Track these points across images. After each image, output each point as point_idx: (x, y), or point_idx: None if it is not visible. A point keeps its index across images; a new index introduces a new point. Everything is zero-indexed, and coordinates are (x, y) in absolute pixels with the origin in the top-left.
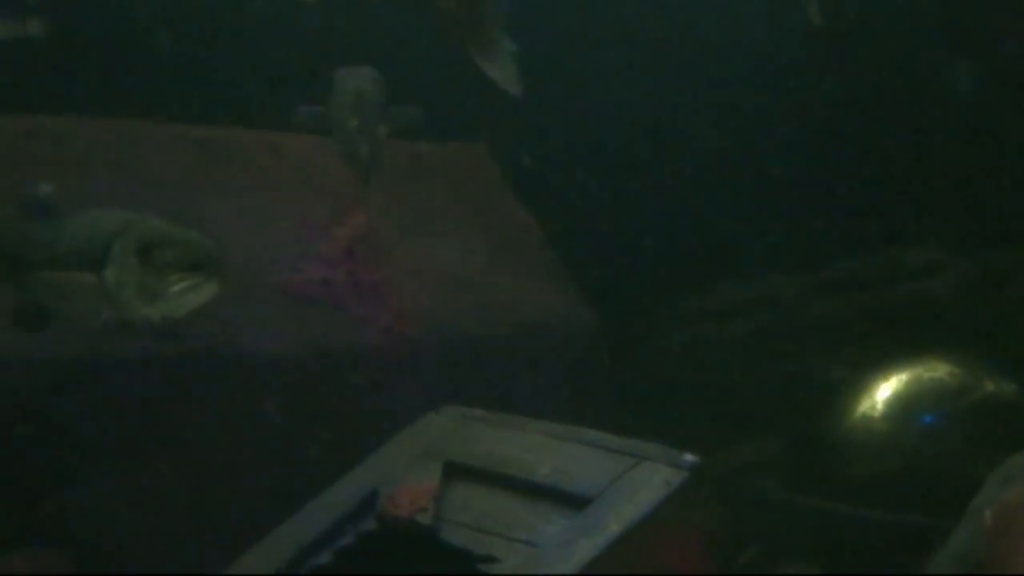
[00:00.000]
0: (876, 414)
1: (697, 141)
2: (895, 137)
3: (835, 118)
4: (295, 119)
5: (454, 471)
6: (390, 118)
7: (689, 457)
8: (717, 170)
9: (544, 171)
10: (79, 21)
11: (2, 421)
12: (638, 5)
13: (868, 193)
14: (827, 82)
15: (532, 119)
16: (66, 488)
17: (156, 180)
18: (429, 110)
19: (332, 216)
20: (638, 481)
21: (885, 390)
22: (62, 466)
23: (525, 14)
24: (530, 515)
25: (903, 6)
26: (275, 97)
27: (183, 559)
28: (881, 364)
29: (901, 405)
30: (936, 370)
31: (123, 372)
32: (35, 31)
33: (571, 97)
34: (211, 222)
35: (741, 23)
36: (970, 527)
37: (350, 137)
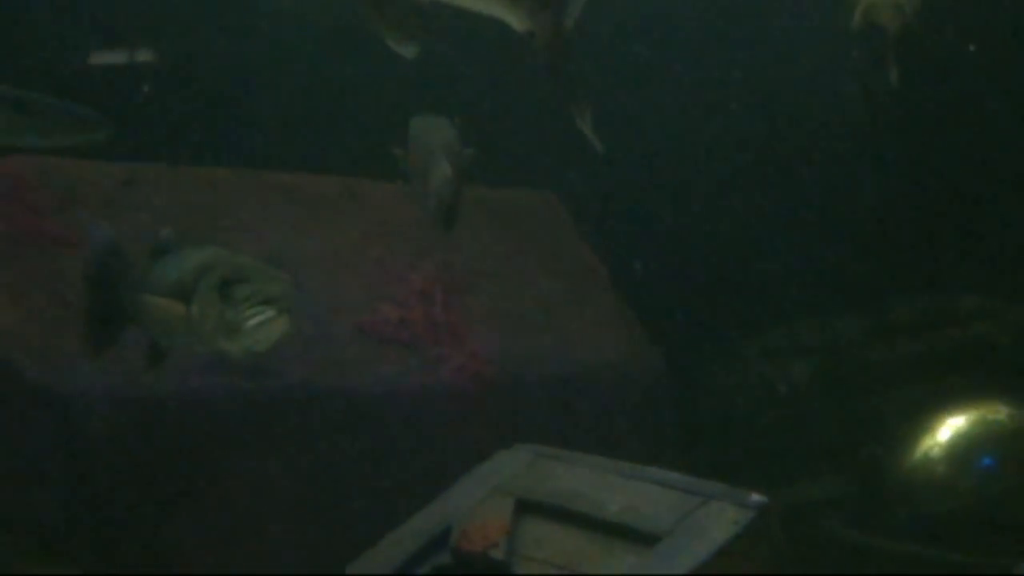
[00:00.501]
0: (937, 456)
1: (761, 188)
2: (956, 186)
3: (897, 167)
4: (397, 158)
5: (526, 507)
6: (465, 165)
7: (756, 497)
8: (780, 216)
9: (612, 217)
10: (172, 81)
11: (94, 455)
12: (704, 60)
13: (928, 239)
14: (891, 134)
15: (600, 168)
16: (156, 521)
17: (243, 225)
18: (500, 158)
19: (409, 259)
20: (706, 520)
21: (945, 432)
22: (152, 500)
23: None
24: (600, 551)
25: (965, 68)
26: (355, 145)
27: None
28: (941, 407)
29: (961, 447)
30: (996, 413)
31: (207, 409)
32: (146, 59)
33: (638, 146)
34: (293, 265)
35: (803, 74)
36: None
37: (428, 184)
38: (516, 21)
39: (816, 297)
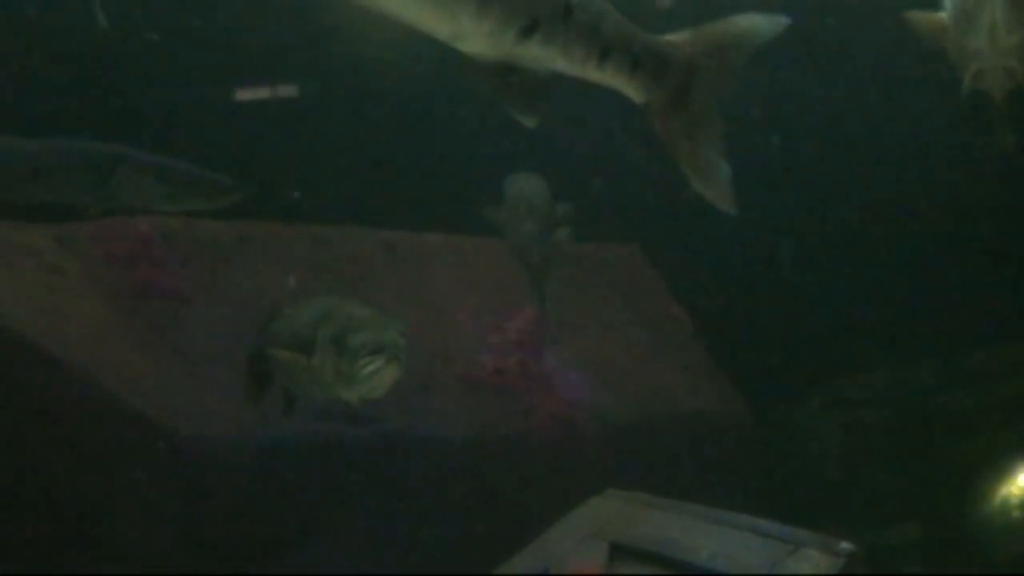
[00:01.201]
0: (1014, 501)
1: (841, 238)
2: None
3: (980, 218)
4: (487, 216)
5: (619, 552)
6: (557, 222)
7: (845, 545)
8: (860, 264)
9: (695, 269)
10: (276, 146)
11: (209, 496)
12: (791, 115)
13: (1008, 287)
14: (977, 187)
15: (683, 221)
16: (266, 559)
17: (349, 279)
18: (588, 213)
19: (505, 311)
20: (797, 567)
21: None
22: (262, 538)
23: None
24: None
25: None
26: (454, 203)
27: None
28: (1019, 452)
29: None
30: None
31: (315, 454)
32: (290, 93)
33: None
34: (396, 317)
35: (892, 131)
36: None
37: (524, 239)
38: (634, 92)
39: (893, 345)
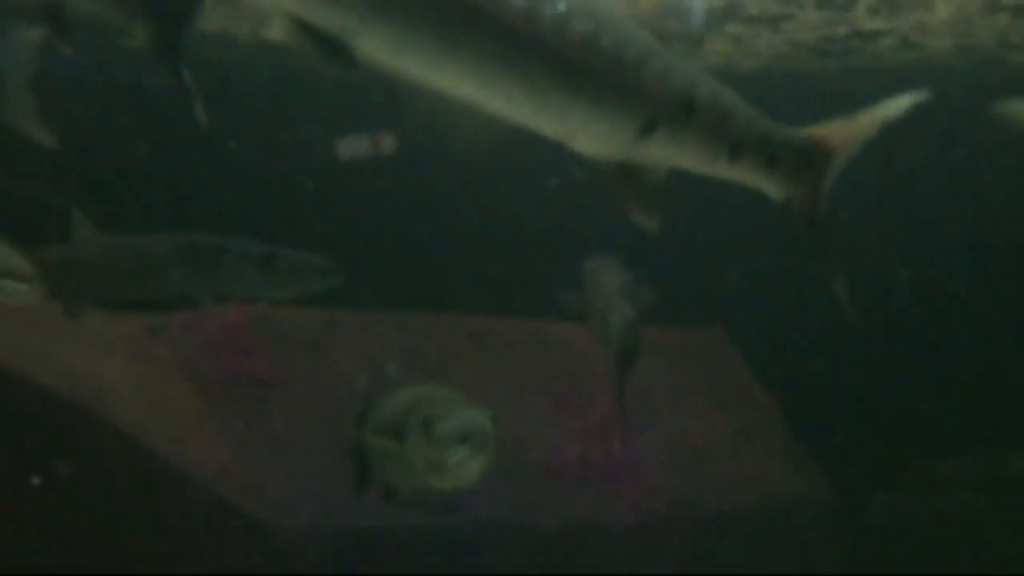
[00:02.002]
0: None
1: (936, 319)
2: None
3: None
4: (563, 304)
5: None
6: (640, 306)
7: None
8: (956, 345)
9: (780, 354)
10: (364, 234)
11: None
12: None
13: None
14: None
15: (767, 306)
16: None
17: (434, 366)
18: (672, 297)
19: (589, 397)
20: None
21: None
22: None
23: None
24: None
25: None
26: (534, 288)
27: None
28: None
29: None
30: None
31: (403, 542)
32: (388, 149)
33: (802, 284)
34: (479, 404)
35: (995, 212)
36: None
37: (606, 325)
38: (772, 190)
39: (989, 429)
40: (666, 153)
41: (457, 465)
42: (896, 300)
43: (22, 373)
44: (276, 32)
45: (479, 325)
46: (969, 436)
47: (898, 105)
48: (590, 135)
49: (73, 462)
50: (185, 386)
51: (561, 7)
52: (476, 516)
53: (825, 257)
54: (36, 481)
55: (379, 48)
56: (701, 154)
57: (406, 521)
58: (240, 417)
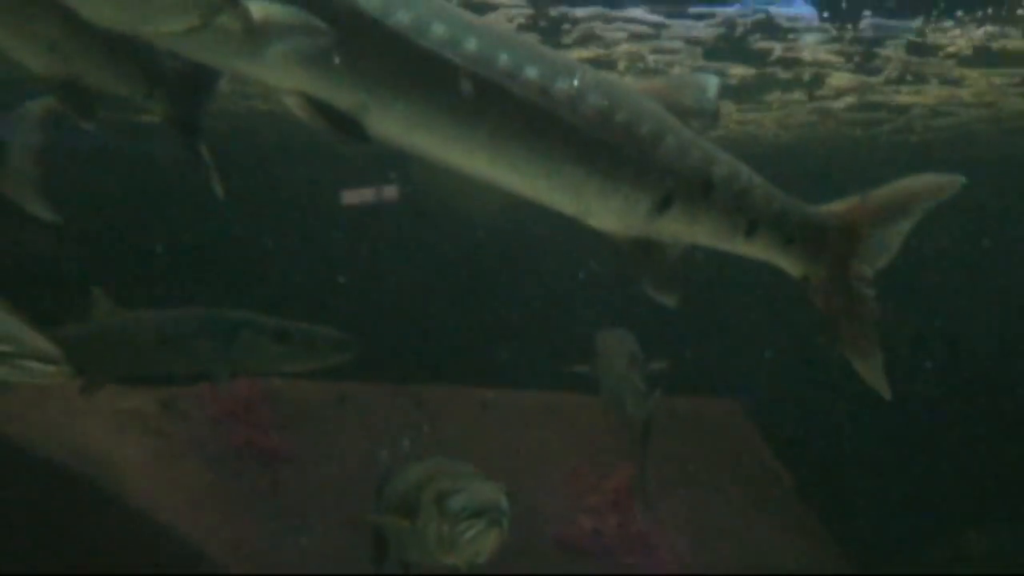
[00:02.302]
0: None
1: (947, 402)
2: None
3: None
4: (586, 372)
5: None
6: (653, 379)
7: None
8: (964, 427)
9: (797, 427)
10: (376, 317)
11: None
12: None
13: None
14: None
15: (784, 379)
16: None
17: (446, 438)
18: (687, 369)
19: (603, 469)
20: None
21: None
22: None
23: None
24: None
25: None
26: (545, 360)
27: None
28: None
29: None
30: None
31: None
32: (391, 196)
33: (819, 360)
34: (496, 476)
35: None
36: None
37: (622, 397)
38: (789, 266)
39: (1010, 505)
40: (682, 229)
41: (471, 540)
42: (921, 373)
43: (33, 449)
44: (291, 108)
45: (491, 396)
46: (996, 510)
47: (931, 184)
48: (605, 210)
49: (83, 538)
50: (197, 461)
51: (575, 82)
52: None
53: (846, 340)
54: (46, 556)
55: (391, 124)
56: (718, 230)
57: None
58: (252, 492)
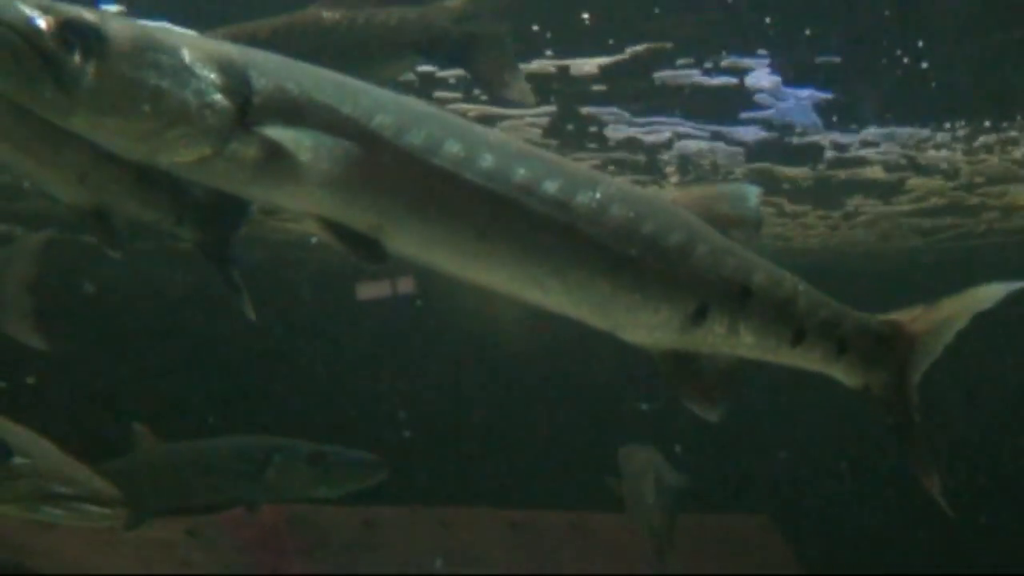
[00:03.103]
0: None
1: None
2: None
3: None
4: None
5: None
6: (676, 494)
7: None
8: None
9: (827, 542)
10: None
11: None
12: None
13: None
14: None
15: (814, 493)
16: None
17: (475, 559)
18: (712, 484)
19: None
20: None
21: None
22: None
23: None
24: None
25: None
26: (572, 479)
27: None
28: None
29: None
30: None
31: None
32: (407, 290)
33: (848, 466)
34: None
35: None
36: None
37: (647, 512)
38: (844, 377)
39: None
40: (721, 340)
41: None
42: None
43: None
44: (309, 230)
45: (519, 517)
46: None
47: (988, 294)
48: (635, 324)
49: None
50: None
51: (597, 195)
52: None
53: (914, 451)
54: None
55: (409, 243)
56: (760, 340)
57: None
58: None
